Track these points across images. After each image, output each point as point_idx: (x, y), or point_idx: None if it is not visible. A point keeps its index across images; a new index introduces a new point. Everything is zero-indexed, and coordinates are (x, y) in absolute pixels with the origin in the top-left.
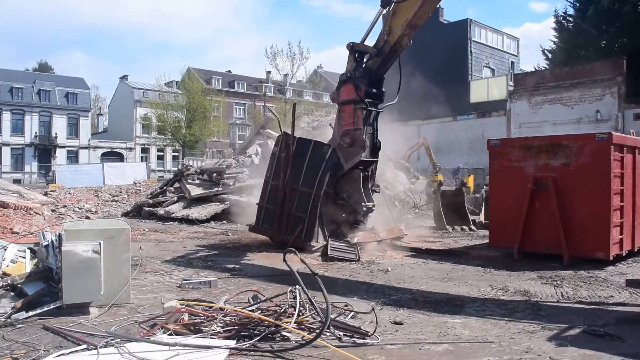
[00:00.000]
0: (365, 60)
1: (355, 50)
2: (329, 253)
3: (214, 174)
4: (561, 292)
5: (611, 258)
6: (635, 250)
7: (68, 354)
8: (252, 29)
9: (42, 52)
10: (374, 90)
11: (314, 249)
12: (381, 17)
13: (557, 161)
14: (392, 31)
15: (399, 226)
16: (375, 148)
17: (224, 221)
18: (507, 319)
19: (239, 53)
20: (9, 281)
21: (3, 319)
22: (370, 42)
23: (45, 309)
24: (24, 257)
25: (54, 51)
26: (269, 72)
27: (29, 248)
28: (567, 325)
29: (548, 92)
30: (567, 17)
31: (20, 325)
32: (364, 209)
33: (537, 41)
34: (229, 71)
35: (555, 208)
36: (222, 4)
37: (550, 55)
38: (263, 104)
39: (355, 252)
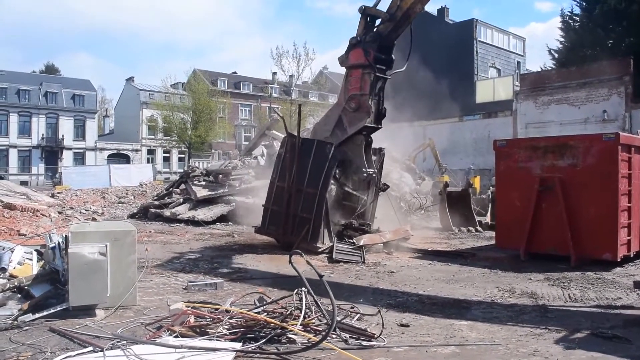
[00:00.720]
0: (376, 24)
1: (367, 14)
2: (334, 256)
3: (220, 176)
4: (568, 294)
5: (619, 259)
6: None
7: (74, 356)
8: (257, 30)
9: (48, 54)
10: (384, 56)
11: (319, 250)
12: None
13: (564, 162)
14: None
15: (404, 227)
16: (380, 115)
17: (230, 222)
18: (514, 321)
19: (244, 54)
20: (15, 283)
21: (10, 321)
22: (383, 6)
23: (52, 311)
24: (31, 259)
25: (60, 53)
26: (274, 73)
27: (36, 250)
28: (574, 328)
29: (554, 92)
30: (574, 17)
31: (27, 327)
32: (365, 175)
33: (543, 41)
34: (235, 72)
35: (562, 209)
36: (227, 5)
37: (556, 55)
38: (269, 105)
39: (361, 254)
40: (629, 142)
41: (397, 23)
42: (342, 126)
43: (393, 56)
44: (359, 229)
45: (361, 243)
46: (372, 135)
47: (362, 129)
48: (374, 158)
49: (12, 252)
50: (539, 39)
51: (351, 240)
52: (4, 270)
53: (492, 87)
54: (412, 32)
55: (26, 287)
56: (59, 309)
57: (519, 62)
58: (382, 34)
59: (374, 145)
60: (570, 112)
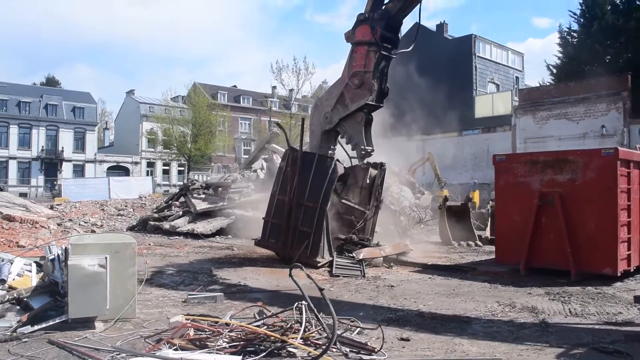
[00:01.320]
0: (385, 2)
1: None
2: (334, 272)
3: (220, 189)
4: (569, 309)
5: (619, 274)
6: None
7: None
8: (258, 43)
9: (49, 67)
10: (390, 34)
11: (319, 264)
12: None
13: (564, 176)
14: None
15: (404, 241)
16: (383, 94)
17: (229, 236)
18: (514, 335)
19: (245, 67)
20: (15, 295)
21: (9, 333)
22: None
23: (51, 323)
24: (30, 271)
25: (61, 65)
26: (274, 87)
27: (35, 262)
28: (575, 343)
29: (553, 107)
30: (572, 33)
31: (26, 340)
32: (363, 152)
33: (540, 57)
34: (235, 86)
35: (562, 224)
36: (229, 19)
37: (555, 71)
38: (268, 119)
39: (361, 268)
40: (627, 157)
41: (406, 1)
42: (343, 102)
43: (400, 35)
44: (359, 243)
45: (361, 257)
46: (373, 147)
47: (364, 106)
48: (374, 172)
49: (12, 263)
50: (537, 54)
51: (351, 255)
52: (3, 281)
53: (491, 102)
54: (421, 12)
55: (25, 299)
56: (58, 321)
57: (517, 78)
58: (390, 12)
59: (375, 160)
60: (568, 127)
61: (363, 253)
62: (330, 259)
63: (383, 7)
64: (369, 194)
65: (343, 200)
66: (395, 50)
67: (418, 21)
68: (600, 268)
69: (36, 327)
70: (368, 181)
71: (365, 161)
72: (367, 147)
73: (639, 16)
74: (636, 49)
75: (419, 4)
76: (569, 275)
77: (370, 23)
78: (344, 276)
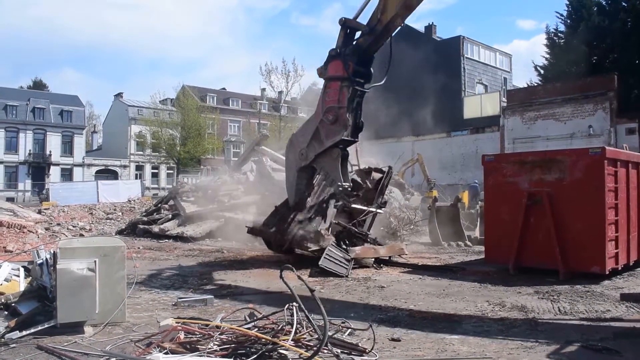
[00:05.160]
0: (356, 37)
1: (347, 26)
2: (320, 262)
3: (209, 191)
4: (558, 307)
5: (607, 272)
6: (631, 264)
7: None
8: (245, 47)
9: (36, 70)
10: (363, 69)
11: (310, 249)
12: None
13: (551, 176)
14: (386, 10)
15: (400, 244)
16: (357, 128)
17: (219, 238)
18: (504, 334)
19: (233, 70)
20: (2, 300)
21: None
22: (363, 19)
23: (40, 328)
24: (18, 276)
25: (49, 69)
26: (263, 90)
27: (23, 266)
28: (565, 341)
29: (541, 108)
30: (558, 34)
31: (14, 345)
32: (340, 188)
33: (526, 58)
34: (224, 88)
35: (550, 223)
36: (215, 23)
37: (542, 71)
38: (258, 121)
39: (347, 267)
40: (614, 156)
41: (377, 37)
42: (319, 138)
43: (372, 69)
44: (357, 236)
45: (354, 255)
46: (350, 183)
47: (339, 142)
48: (379, 176)
49: None
50: (523, 56)
51: (344, 247)
52: None
53: (479, 103)
54: (392, 46)
55: (13, 304)
56: (46, 326)
57: (505, 79)
58: (361, 47)
59: (380, 166)
60: (556, 127)
61: (356, 251)
62: (322, 245)
63: (354, 43)
64: (371, 195)
65: (353, 205)
66: (369, 84)
67: (389, 56)
68: (588, 267)
69: (24, 333)
70: (370, 184)
71: (367, 166)
72: (344, 184)
73: (624, 17)
74: (622, 50)
75: (390, 39)
76: (558, 274)
77: (342, 58)
78: (328, 270)
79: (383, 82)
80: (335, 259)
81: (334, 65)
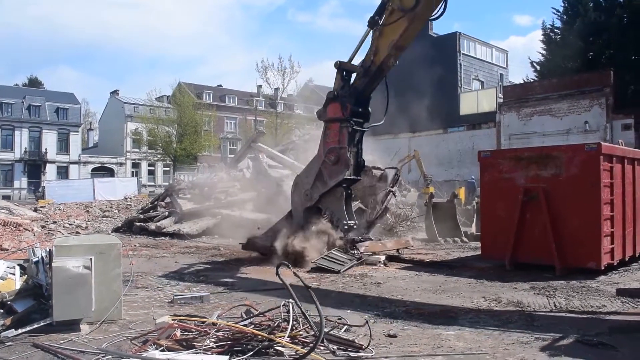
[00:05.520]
0: (352, 79)
1: (343, 69)
2: (316, 260)
3: (205, 188)
4: (554, 302)
5: (603, 267)
6: (627, 259)
7: None
8: (241, 44)
9: (32, 68)
10: (360, 109)
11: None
12: (370, 35)
13: (547, 172)
14: (378, 51)
15: (406, 237)
16: (359, 167)
17: (216, 235)
18: (500, 330)
19: (229, 68)
20: None
21: None
22: (358, 60)
23: (35, 326)
24: (14, 274)
25: (44, 67)
26: (259, 86)
27: (19, 264)
28: (560, 335)
29: (537, 104)
30: (555, 30)
31: (10, 343)
32: (346, 227)
33: (523, 54)
34: (220, 85)
35: (546, 219)
36: (212, 21)
37: (538, 67)
38: (254, 118)
39: (344, 264)
40: (610, 152)
41: (371, 77)
42: (322, 179)
43: (370, 109)
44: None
45: (362, 250)
46: (355, 221)
47: (342, 181)
48: (379, 173)
49: None
50: (519, 52)
51: (352, 252)
52: None
53: (475, 99)
54: (388, 85)
55: (9, 302)
56: (42, 324)
57: (501, 75)
58: (357, 88)
59: (388, 167)
60: (552, 123)
61: (365, 246)
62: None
63: (351, 84)
64: (370, 194)
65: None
66: (367, 123)
67: (386, 95)
68: (584, 262)
69: (20, 331)
70: (369, 185)
71: (369, 167)
72: (349, 222)
73: (620, 13)
74: (618, 46)
75: (384, 79)
76: (554, 270)
77: (340, 100)
78: (323, 267)
79: (382, 122)
80: (334, 259)
81: (333, 107)
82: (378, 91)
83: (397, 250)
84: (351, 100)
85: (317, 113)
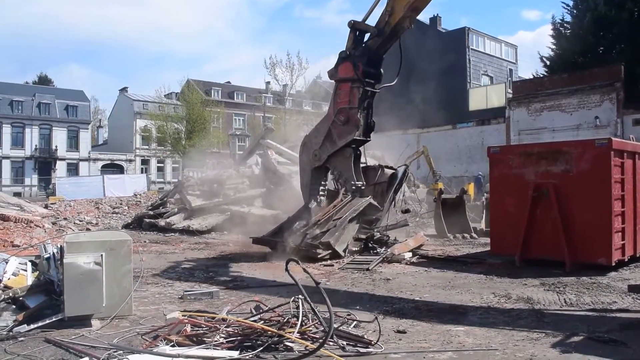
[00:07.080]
0: (365, 39)
1: (356, 29)
2: (343, 266)
3: (215, 185)
4: (564, 299)
5: (613, 264)
6: (638, 255)
7: None
8: (249, 40)
9: (42, 66)
10: (372, 70)
11: (319, 255)
12: None
13: (558, 168)
14: (394, 12)
15: (419, 233)
16: (369, 128)
17: (225, 232)
18: (510, 326)
19: (237, 64)
20: (10, 294)
21: (5, 332)
22: (372, 21)
23: (47, 321)
24: (25, 270)
25: (54, 64)
26: (268, 83)
27: (30, 261)
28: (571, 332)
29: (547, 99)
30: (565, 24)
31: (22, 338)
32: (353, 187)
33: (531, 49)
34: (228, 82)
35: (557, 214)
36: (220, 18)
37: (548, 62)
38: (263, 115)
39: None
40: (621, 148)
41: (385, 38)
42: (331, 139)
43: (382, 70)
44: (380, 240)
45: (396, 252)
46: (363, 182)
47: (351, 141)
48: (390, 172)
49: (7, 263)
50: (528, 47)
51: (375, 252)
52: None
53: (484, 94)
54: (401, 47)
55: (21, 298)
56: (54, 319)
57: (511, 70)
58: (370, 49)
59: (398, 165)
60: (562, 119)
61: (397, 249)
62: (331, 251)
63: (363, 44)
64: (381, 192)
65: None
66: (379, 84)
67: (400, 57)
68: (594, 258)
69: (32, 326)
70: (380, 180)
71: (377, 163)
72: (357, 182)
73: (631, 7)
74: (629, 40)
75: (399, 40)
76: (564, 266)
77: (352, 60)
78: (354, 268)
79: (394, 82)
80: (361, 262)
81: (344, 67)
82: (391, 53)
83: (418, 247)
84: (363, 60)
85: (328, 72)
